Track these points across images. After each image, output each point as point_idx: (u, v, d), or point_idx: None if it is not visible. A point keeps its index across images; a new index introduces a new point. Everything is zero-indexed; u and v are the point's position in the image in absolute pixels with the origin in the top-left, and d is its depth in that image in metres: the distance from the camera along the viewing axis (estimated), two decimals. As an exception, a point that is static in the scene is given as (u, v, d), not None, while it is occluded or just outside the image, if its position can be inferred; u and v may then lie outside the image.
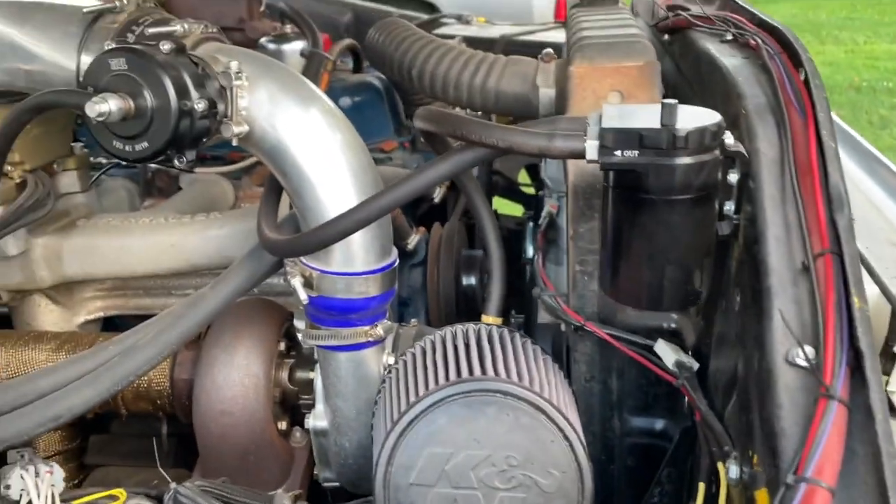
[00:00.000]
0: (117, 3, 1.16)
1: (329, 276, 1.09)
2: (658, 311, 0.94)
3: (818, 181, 0.78)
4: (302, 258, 1.11)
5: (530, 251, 1.68)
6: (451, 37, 1.78)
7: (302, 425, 1.31)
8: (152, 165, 1.77)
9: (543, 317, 1.18)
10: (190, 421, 1.29)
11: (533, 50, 1.36)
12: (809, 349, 0.68)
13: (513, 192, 2.35)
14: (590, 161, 0.86)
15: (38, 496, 0.93)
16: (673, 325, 1.06)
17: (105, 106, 0.95)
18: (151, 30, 1.08)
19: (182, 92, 0.98)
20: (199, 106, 1.00)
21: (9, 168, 1.37)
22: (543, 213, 1.42)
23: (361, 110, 1.89)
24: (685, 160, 0.83)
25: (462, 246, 1.70)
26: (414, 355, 1.03)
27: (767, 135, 0.88)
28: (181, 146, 1.01)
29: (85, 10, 1.17)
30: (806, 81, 0.89)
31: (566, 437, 0.87)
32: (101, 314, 1.57)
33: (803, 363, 0.68)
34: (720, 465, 0.80)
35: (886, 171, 1.24)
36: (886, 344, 0.94)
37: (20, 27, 1.18)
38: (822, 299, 0.69)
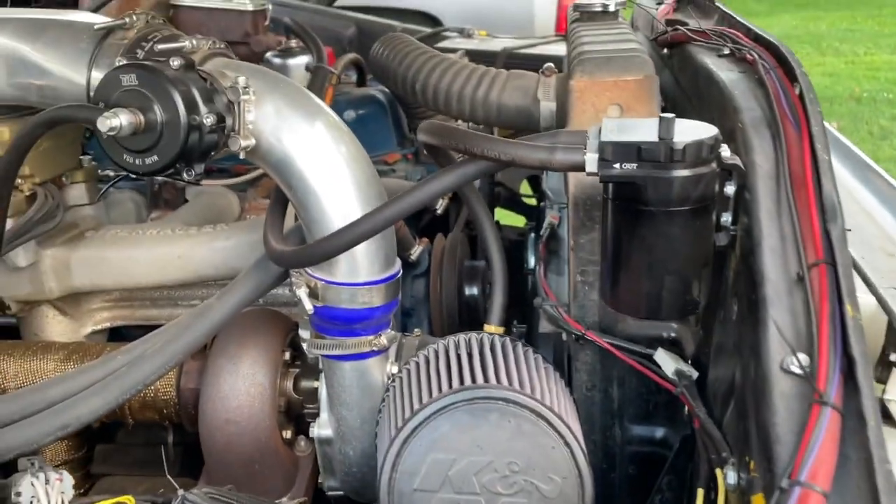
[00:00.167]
0: (127, 20, 1.18)
1: (334, 286, 1.11)
2: (657, 320, 0.95)
3: (812, 193, 0.79)
4: (307, 269, 1.13)
5: (532, 262, 1.70)
6: (453, 50, 1.80)
7: (306, 434, 1.32)
8: (159, 178, 1.79)
9: (545, 326, 1.20)
10: (196, 430, 1.30)
11: (534, 63, 1.38)
12: (804, 357, 0.70)
13: (515, 204, 2.37)
14: (589, 174, 0.88)
15: (49, 503, 0.95)
16: (673, 335, 1.07)
17: (116, 121, 0.97)
18: (161, 46, 1.10)
19: (191, 107, 1.01)
20: (208, 120, 1.02)
21: (19, 181, 1.39)
22: (545, 224, 1.44)
23: (365, 123, 1.91)
24: (682, 173, 0.84)
25: (464, 257, 1.72)
26: (417, 364, 1.04)
27: (763, 148, 0.90)
28: (190, 160, 1.03)
29: (95, 26, 1.19)
30: (801, 95, 0.91)
31: (567, 444, 0.89)
32: (108, 325, 1.59)
33: (798, 371, 0.70)
34: (718, 472, 0.82)
35: (881, 181, 1.25)
36: (883, 353, 0.96)
37: (33, 43, 1.20)
38: (816, 308, 0.71)
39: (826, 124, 0.89)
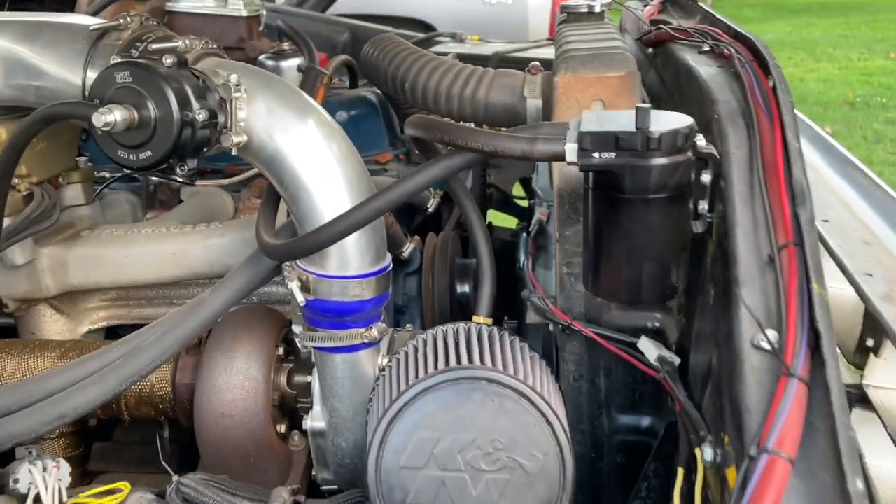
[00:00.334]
0: (122, 21, 1.21)
1: (325, 279, 1.13)
2: (638, 305, 0.97)
3: (783, 178, 0.82)
4: (299, 262, 1.15)
5: (523, 259, 1.72)
6: (446, 54, 1.83)
7: (300, 429, 1.34)
8: (154, 178, 1.82)
9: (532, 317, 1.22)
10: (191, 424, 1.32)
11: (525, 66, 1.42)
12: (773, 333, 0.72)
13: (507, 205, 2.39)
14: (570, 163, 0.91)
15: (46, 489, 0.97)
16: (656, 324, 1.10)
17: (111, 116, 1.00)
18: (155, 46, 1.13)
19: (184, 103, 1.03)
20: (201, 116, 1.04)
21: (16, 180, 1.42)
22: (534, 220, 1.47)
23: (357, 124, 1.94)
24: (659, 161, 0.87)
25: (456, 255, 1.74)
26: (406, 353, 1.07)
27: (738, 137, 0.92)
28: (183, 155, 1.06)
29: (91, 28, 1.22)
30: (774, 87, 0.94)
31: (548, 422, 0.91)
32: (105, 324, 1.61)
33: (767, 346, 0.72)
34: (697, 451, 0.84)
35: (859, 174, 1.28)
36: (861, 339, 0.98)
37: (30, 45, 1.23)
38: (785, 287, 0.74)
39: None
